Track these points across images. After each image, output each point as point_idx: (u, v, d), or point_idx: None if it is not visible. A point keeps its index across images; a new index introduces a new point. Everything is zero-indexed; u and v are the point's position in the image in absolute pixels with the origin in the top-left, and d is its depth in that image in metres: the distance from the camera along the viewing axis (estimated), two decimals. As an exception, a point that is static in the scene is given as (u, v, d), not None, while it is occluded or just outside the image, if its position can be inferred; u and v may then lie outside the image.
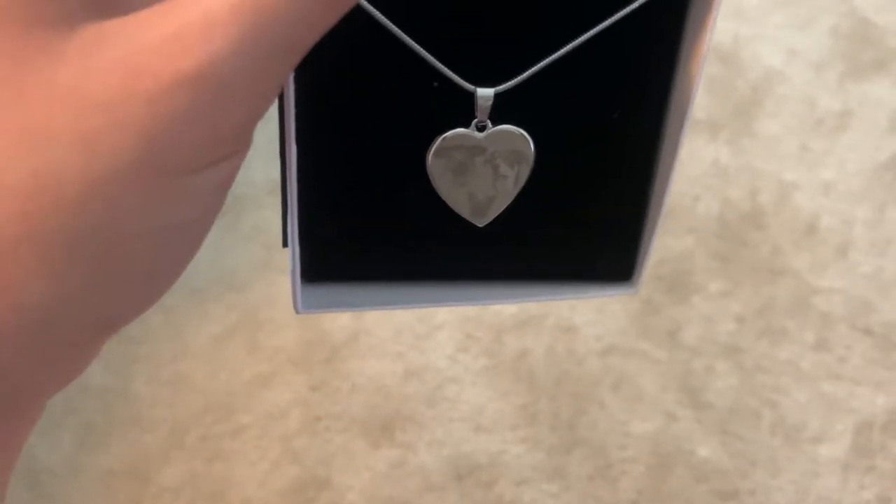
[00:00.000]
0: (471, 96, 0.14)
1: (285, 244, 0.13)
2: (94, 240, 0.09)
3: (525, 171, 0.14)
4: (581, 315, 0.30)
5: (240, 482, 0.27)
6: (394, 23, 0.13)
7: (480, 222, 0.15)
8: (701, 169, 0.30)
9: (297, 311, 0.14)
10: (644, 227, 0.15)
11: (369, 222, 0.14)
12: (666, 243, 0.29)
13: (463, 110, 0.14)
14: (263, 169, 0.31)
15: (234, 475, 0.27)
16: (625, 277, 0.15)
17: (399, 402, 0.28)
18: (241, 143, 0.10)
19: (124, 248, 0.09)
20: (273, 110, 0.12)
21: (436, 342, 0.29)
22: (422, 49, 0.13)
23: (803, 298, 0.29)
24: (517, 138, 0.14)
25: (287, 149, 0.12)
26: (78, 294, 0.09)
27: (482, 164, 0.14)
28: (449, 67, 0.13)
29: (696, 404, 0.29)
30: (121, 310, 0.10)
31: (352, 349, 0.29)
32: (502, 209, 0.14)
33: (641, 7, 0.13)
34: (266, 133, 0.33)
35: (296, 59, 0.09)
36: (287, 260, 0.14)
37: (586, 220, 0.15)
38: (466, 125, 0.14)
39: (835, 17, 0.32)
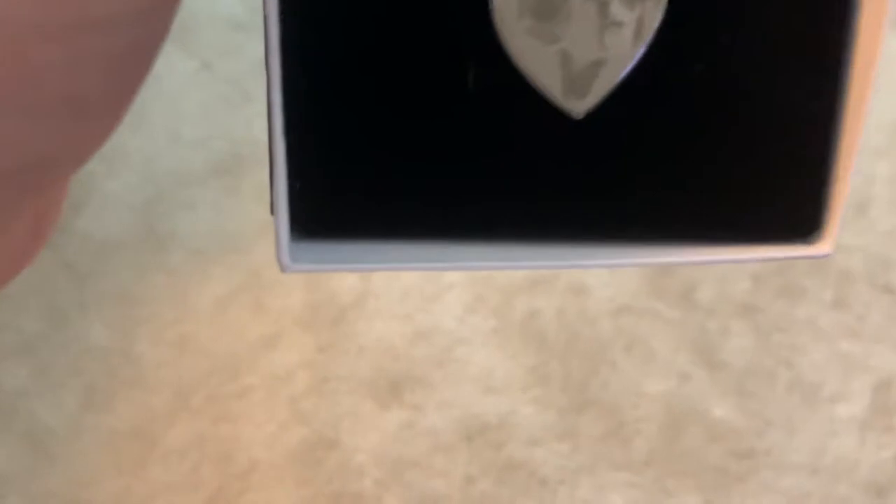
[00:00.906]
0: None
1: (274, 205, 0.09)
2: None
3: (653, 17, 0.08)
4: (593, 275, 0.29)
5: (247, 443, 0.27)
6: None
7: (578, 108, 0.08)
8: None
9: (282, 269, 0.09)
10: (837, 149, 0.09)
11: (393, 128, 0.09)
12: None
13: None
14: (266, 127, 0.30)
15: (241, 436, 0.27)
16: (807, 232, 0.10)
17: (408, 364, 0.28)
18: None
19: (25, 54, 0.07)
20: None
21: (444, 303, 0.29)
22: None
23: (821, 256, 0.29)
24: None
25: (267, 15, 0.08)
26: None
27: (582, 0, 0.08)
28: None
29: (710, 364, 0.28)
30: (43, 148, 0.07)
31: (359, 310, 0.28)
32: (614, 84, 0.08)
33: None
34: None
35: None
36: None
37: (749, 123, 0.09)
38: None
39: (855, -33, 0.31)
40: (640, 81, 0.09)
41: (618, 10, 0.08)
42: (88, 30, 0.07)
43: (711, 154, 0.09)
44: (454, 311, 0.29)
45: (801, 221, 0.10)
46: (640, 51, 0.09)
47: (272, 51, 0.09)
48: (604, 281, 0.29)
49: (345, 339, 0.28)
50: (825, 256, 0.10)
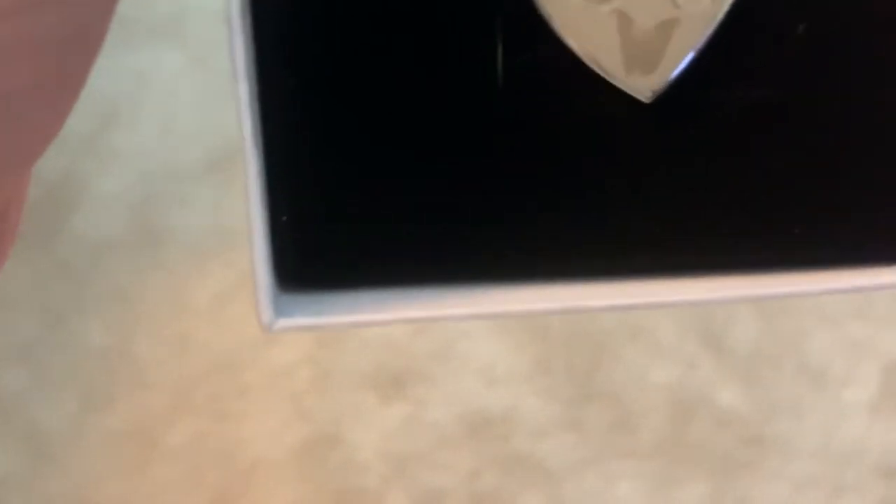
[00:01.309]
0: None
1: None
2: None
3: None
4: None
5: (249, 441, 0.27)
6: None
7: (644, 87, 0.06)
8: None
9: (264, 329, 0.07)
10: None
11: (401, 136, 0.06)
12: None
13: None
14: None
15: (243, 434, 0.27)
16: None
17: (409, 358, 0.28)
18: None
19: None
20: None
21: (445, 295, 0.29)
22: None
23: (826, 239, 0.28)
24: None
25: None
26: None
27: None
28: None
29: (716, 351, 0.28)
30: None
31: (359, 304, 0.28)
32: (691, 54, 0.06)
33: None
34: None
35: None
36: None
37: (873, 106, 0.06)
38: None
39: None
40: (725, 49, 0.06)
41: None
42: (4, 16, 0.06)
43: (822, 148, 0.06)
44: (455, 303, 0.29)
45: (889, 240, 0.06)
46: (724, 8, 0.06)
47: (236, 43, 0.07)
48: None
49: (346, 334, 0.28)
50: None
